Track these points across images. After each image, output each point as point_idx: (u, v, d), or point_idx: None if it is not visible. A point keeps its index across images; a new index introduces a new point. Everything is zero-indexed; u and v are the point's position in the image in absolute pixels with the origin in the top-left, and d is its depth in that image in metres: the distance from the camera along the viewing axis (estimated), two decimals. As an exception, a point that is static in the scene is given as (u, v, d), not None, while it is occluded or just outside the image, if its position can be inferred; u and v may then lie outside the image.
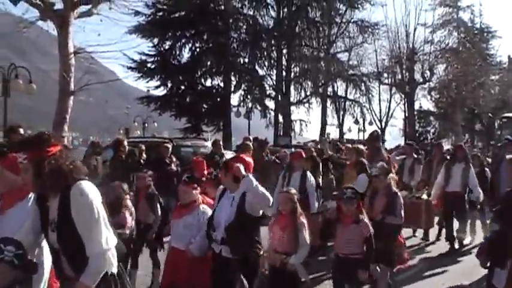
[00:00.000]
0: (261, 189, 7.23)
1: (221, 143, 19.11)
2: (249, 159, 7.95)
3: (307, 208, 12.37)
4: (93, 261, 4.68)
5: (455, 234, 15.14)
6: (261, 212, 7.56)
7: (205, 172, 11.34)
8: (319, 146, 20.05)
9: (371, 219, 9.06)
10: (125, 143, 15.86)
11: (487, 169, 16.75)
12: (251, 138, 20.92)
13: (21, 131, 13.32)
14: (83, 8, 19.40)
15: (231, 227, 7.32)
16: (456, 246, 15.04)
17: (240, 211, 7.32)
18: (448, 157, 16.71)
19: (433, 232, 16.56)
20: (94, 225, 4.69)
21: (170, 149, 17.13)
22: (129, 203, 9.83)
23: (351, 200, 8.56)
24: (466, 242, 15.49)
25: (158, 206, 10.70)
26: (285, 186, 12.72)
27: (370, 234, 8.45)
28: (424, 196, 15.77)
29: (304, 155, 14.25)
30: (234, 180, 7.52)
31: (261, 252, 7.68)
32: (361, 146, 15.53)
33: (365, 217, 8.68)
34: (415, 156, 18.05)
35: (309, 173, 13.58)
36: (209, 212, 8.22)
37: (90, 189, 4.73)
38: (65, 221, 4.64)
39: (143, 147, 16.36)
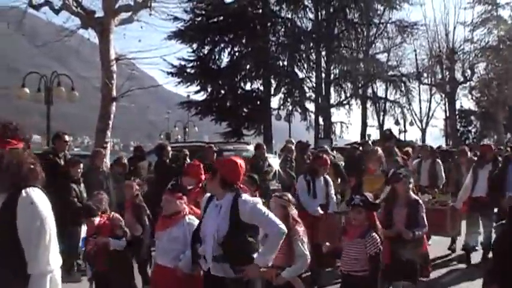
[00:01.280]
0: (269, 215, 6.45)
1: (264, 146, 19.11)
2: (240, 161, 6.78)
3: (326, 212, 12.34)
4: (34, 282, 3.90)
5: (478, 244, 14.05)
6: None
7: (203, 177, 10.26)
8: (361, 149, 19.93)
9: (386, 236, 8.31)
10: (169, 148, 15.96)
11: None
12: (293, 140, 20.93)
13: (67, 138, 13.53)
14: (124, 15, 19.56)
15: (225, 241, 6.34)
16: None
17: (233, 222, 6.35)
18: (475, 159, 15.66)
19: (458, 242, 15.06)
20: (41, 240, 3.94)
21: (215, 153, 17.21)
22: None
23: (358, 208, 7.69)
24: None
25: (146, 217, 10.22)
26: (310, 192, 12.47)
27: (377, 252, 7.52)
28: (450, 202, 14.53)
29: (328, 162, 13.29)
30: (222, 185, 6.55)
31: (261, 269, 6.64)
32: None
33: (377, 231, 7.74)
34: (434, 159, 17.12)
35: (329, 178, 13.00)
36: (196, 223, 7.36)
37: (42, 200, 4.02)
38: (7, 228, 3.86)
39: (187, 152, 16.44)
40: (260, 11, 44.08)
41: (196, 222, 7.42)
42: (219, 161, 7.29)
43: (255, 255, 6.46)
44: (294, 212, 7.84)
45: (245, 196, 6.54)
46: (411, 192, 9.30)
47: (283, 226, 6.52)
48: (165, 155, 15.52)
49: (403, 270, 8.65)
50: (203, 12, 42.42)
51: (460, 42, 53.49)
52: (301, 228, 7.68)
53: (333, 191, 12.82)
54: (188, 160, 16.01)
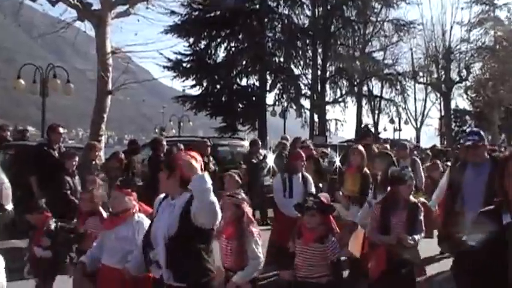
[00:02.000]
0: (212, 197, 5.43)
1: (260, 142, 19.13)
2: (200, 158, 6.02)
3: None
4: None
5: None
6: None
7: None
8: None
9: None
10: (164, 142, 15.95)
11: None
12: (288, 137, 20.93)
13: (61, 130, 13.52)
14: (120, 8, 19.53)
15: (171, 245, 5.71)
16: None
17: (183, 222, 5.67)
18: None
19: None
20: None
21: (210, 148, 17.24)
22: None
23: (311, 211, 7.23)
24: None
25: None
26: (286, 191, 12.02)
27: (338, 259, 7.33)
28: (422, 199, 12.51)
29: (304, 156, 12.70)
30: (181, 183, 5.87)
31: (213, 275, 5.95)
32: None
33: (335, 235, 7.49)
34: (413, 158, 16.41)
35: (307, 175, 12.35)
36: (146, 222, 6.89)
37: None
38: None
39: (181, 146, 16.41)
40: (257, 6, 44.00)
41: (145, 221, 7.01)
42: (177, 157, 6.14)
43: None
44: (248, 210, 7.48)
45: None
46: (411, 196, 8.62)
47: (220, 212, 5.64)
48: (160, 150, 15.49)
49: (400, 277, 8.09)
50: (200, 6, 42.28)
51: (457, 42, 53.78)
52: (256, 229, 7.34)
53: (313, 189, 11.89)
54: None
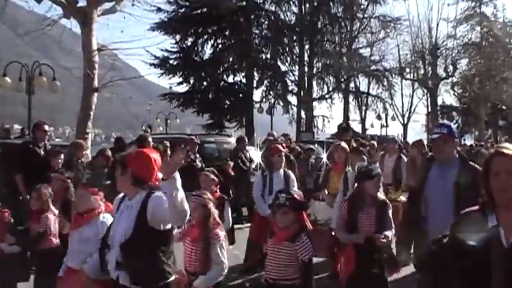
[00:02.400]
0: (181, 196, 5.19)
1: (246, 139, 19.13)
2: (155, 156, 5.77)
3: None
4: None
5: None
6: (169, 225, 5.66)
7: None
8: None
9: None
10: (150, 139, 15.90)
11: None
12: (275, 134, 20.93)
13: (47, 127, 13.45)
14: (106, 5, 19.46)
15: (127, 246, 5.47)
16: None
17: (139, 223, 5.45)
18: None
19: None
20: None
21: (197, 145, 17.24)
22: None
23: (284, 208, 6.81)
24: None
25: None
26: (266, 188, 11.45)
27: (310, 260, 6.92)
28: (402, 198, 13.08)
29: (281, 150, 12.06)
30: (133, 182, 5.62)
31: (172, 278, 5.69)
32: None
33: (308, 233, 7.09)
34: (400, 154, 15.52)
35: (292, 175, 11.74)
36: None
37: None
38: None
39: (168, 143, 16.37)
40: (244, 3, 44.02)
41: (111, 221, 6.43)
42: (130, 154, 5.83)
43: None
44: (215, 211, 7.10)
45: (159, 194, 5.48)
46: (378, 193, 8.12)
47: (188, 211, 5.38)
48: (146, 146, 15.44)
49: (371, 276, 7.73)
50: (187, 3, 42.35)
51: (443, 38, 53.94)
52: (222, 232, 6.99)
53: (295, 186, 11.39)
54: (169, 152, 15.96)
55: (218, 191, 10.01)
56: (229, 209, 10.13)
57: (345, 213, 7.97)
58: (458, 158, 7.43)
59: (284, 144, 15.61)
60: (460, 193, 6.60)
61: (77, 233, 6.93)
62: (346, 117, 51.70)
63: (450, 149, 7.34)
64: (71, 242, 7.03)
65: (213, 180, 9.85)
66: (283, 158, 11.81)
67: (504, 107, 56.55)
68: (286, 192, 7.16)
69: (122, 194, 5.95)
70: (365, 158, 11.32)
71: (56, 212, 8.39)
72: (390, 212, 8.01)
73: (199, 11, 42.93)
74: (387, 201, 8.21)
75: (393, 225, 7.95)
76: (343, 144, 12.28)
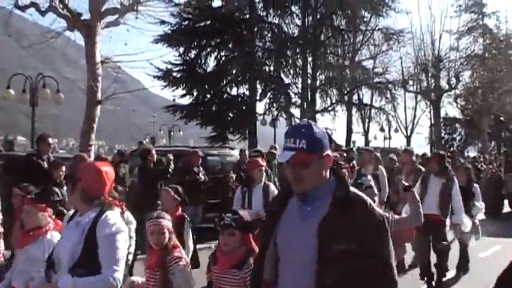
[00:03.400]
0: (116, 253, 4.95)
1: (247, 152, 19.17)
2: (107, 169, 5.42)
3: None
4: None
5: (433, 269, 12.24)
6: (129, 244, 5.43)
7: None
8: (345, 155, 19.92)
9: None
10: (153, 151, 15.96)
11: (475, 185, 13.41)
12: (277, 146, 20.97)
13: (51, 140, 13.51)
14: (110, 18, 19.54)
15: (76, 268, 5.00)
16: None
17: (88, 243, 5.02)
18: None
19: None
20: None
21: (200, 158, 17.29)
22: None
23: (230, 229, 6.12)
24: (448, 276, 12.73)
25: None
26: (245, 204, 10.99)
27: None
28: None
29: (264, 163, 11.80)
30: (83, 198, 5.22)
31: None
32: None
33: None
34: (377, 166, 15.29)
35: (272, 186, 11.35)
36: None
37: None
38: None
39: (171, 156, 16.42)
40: (247, 16, 44.12)
41: (57, 239, 5.98)
42: (79, 168, 5.61)
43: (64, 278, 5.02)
44: (173, 237, 6.56)
45: (110, 216, 5.18)
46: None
47: (118, 277, 4.96)
48: (149, 159, 15.51)
49: None
50: (190, 16, 42.37)
51: (446, 50, 53.84)
52: (181, 254, 6.45)
53: None
54: (172, 165, 16.00)
55: (180, 210, 9.31)
56: (190, 230, 9.12)
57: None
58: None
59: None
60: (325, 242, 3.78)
61: (23, 252, 6.54)
62: (349, 129, 51.68)
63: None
64: (16, 261, 6.72)
65: (174, 199, 9.25)
66: (263, 172, 11.51)
67: (507, 119, 56.51)
68: (233, 212, 6.40)
69: (72, 211, 5.69)
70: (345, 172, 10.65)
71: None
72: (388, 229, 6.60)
73: (202, 24, 42.96)
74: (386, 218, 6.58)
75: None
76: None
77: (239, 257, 6.08)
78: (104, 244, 4.99)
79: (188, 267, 6.57)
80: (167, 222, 6.55)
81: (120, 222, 5.22)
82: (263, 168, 11.49)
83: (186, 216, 9.30)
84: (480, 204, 13.04)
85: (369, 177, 7.28)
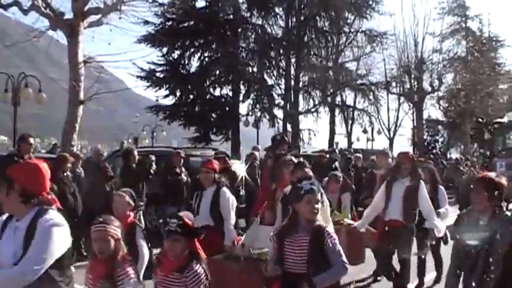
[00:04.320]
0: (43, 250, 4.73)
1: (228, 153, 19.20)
2: (44, 165, 5.21)
3: (220, 239, 9.71)
4: None
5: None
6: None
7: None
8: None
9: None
10: (135, 152, 15.93)
11: (441, 187, 12.29)
12: (259, 147, 21.01)
13: (32, 140, 13.43)
14: (93, 18, 19.53)
15: None
16: None
17: (28, 247, 4.76)
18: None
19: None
20: None
21: (182, 159, 17.24)
22: None
23: (174, 235, 5.89)
24: None
25: None
26: (194, 208, 10.26)
27: None
28: (347, 220, 11.88)
29: (215, 165, 10.83)
30: (22, 199, 4.94)
31: None
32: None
33: (201, 262, 6.00)
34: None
35: (225, 189, 10.41)
36: None
37: None
38: None
39: (153, 157, 16.40)
40: (231, 16, 44.12)
41: None
42: (14, 167, 5.17)
43: None
44: (123, 245, 5.98)
45: (50, 213, 4.96)
46: (318, 216, 6.32)
47: (30, 270, 4.69)
48: (131, 160, 15.47)
49: None
50: (174, 16, 42.31)
51: (429, 52, 54.24)
52: (130, 269, 5.83)
53: (228, 207, 10.25)
54: (154, 165, 15.99)
55: (132, 215, 8.66)
56: (143, 238, 8.47)
57: (273, 242, 6.46)
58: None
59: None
60: None
61: None
62: (332, 131, 51.74)
63: None
64: None
65: (128, 204, 8.61)
66: (212, 174, 10.46)
67: (489, 121, 56.86)
68: (177, 217, 6.06)
69: (6, 215, 5.20)
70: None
71: None
72: (334, 242, 6.18)
73: (186, 24, 42.92)
74: (326, 229, 6.30)
75: (343, 263, 6.13)
76: (293, 158, 10.08)
77: (182, 261, 5.90)
78: (38, 238, 4.77)
79: (139, 283, 6.19)
80: (114, 228, 5.90)
81: (59, 219, 5.00)
82: (212, 170, 10.52)
83: (139, 223, 8.84)
84: (445, 210, 11.79)
85: (312, 180, 6.01)
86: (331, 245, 6.06)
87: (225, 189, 10.39)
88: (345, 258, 6.13)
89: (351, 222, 11.73)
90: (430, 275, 12.33)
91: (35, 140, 14.23)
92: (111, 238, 5.80)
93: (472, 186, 6.18)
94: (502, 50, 62.40)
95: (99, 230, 5.83)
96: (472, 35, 57.73)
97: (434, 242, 11.65)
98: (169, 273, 5.89)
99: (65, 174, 13.83)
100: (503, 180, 6.15)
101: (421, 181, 10.68)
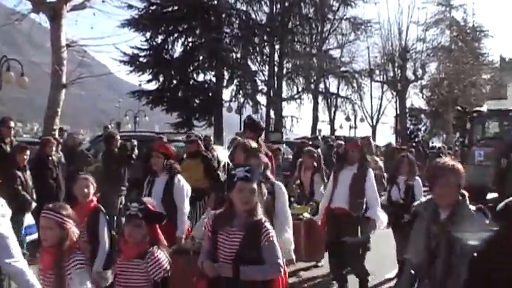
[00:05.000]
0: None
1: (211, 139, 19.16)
2: None
3: (173, 230, 8.84)
4: None
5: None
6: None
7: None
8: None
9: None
10: (117, 137, 15.83)
11: (417, 178, 11.16)
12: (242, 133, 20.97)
13: (12, 123, 13.31)
14: (76, 1, 19.35)
15: None
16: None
17: None
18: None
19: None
20: None
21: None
22: None
23: (136, 220, 5.64)
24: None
25: None
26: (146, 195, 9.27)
27: (164, 280, 5.71)
28: (307, 214, 11.58)
29: (167, 149, 10.19)
30: None
31: None
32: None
33: (162, 248, 5.73)
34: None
35: (179, 177, 9.57)
36: None
37: None
38: None
39: (135, 142, 16.30)
40: (215, 2, 43.99)
41: None
42: None
43: None
44: (74, 232, 5.37)
45: None
46: (258, 209, 5.44)
47: None
48: (113, 144, 15.38)
49: None
50: (158, 1, 42.19)
51: (413, 41, 54.63)
52: (81, 257, 5.31)
53: (182, 196, 9.48)
54: (136, 150, 15.90)
55: (95, 200, 8.10)
56: (106, 225, 7.92)
57: (206, 236, 5.72)
58: None
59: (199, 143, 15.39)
60: None
61: None
62: (315, 118, 51.77)
63: None
64: None
65: (89, 187, 8.00)
66: (162, 159, 9.59)
67: (471, 111, 57.08)
68: (138, 201, 5.83)
69: None
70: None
71: None
72: (271, 238, 5.35)
73: (170, 9, 42.82)
74: (265, 223, 5.43)
75: (278, 260, 5.37)
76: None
77: (143, 247, 5.64)
78: None
79: (87, 275, 5.43)
80: (60, 217, 5.31)
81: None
82: (161, 155, 9.67)
83: (102, 209, 8.10)
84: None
85: (247, 168, 5.34)
86: (267, 244, 5.31)
87: (179, 176, 9.59)
88: (281, 261, 5.41)
89: (309, 216, 11.52)
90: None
91: (16, 124, 14.06)
92: (57, 226, 5.28)
93: (436, 175, 5.10)
94: (486, 40, 62.43)
95: (44, 217, 5.36)
96: (456, 24, 57.73)
97: (373, 232, 10.54)
98: (129, 260, 5.67)
99: (50, 158, 13.70)
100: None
101: (369, 169, 10.34)
